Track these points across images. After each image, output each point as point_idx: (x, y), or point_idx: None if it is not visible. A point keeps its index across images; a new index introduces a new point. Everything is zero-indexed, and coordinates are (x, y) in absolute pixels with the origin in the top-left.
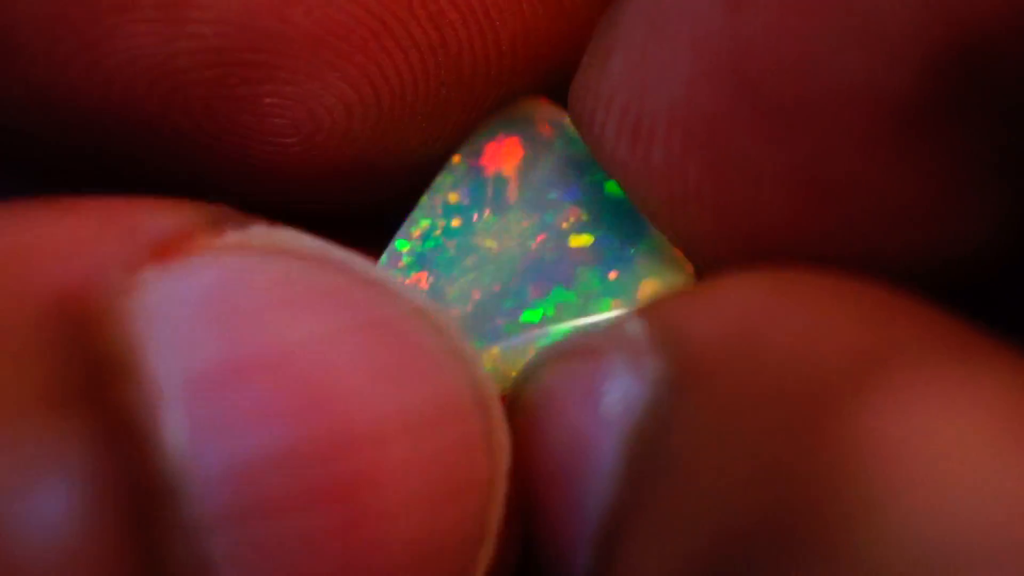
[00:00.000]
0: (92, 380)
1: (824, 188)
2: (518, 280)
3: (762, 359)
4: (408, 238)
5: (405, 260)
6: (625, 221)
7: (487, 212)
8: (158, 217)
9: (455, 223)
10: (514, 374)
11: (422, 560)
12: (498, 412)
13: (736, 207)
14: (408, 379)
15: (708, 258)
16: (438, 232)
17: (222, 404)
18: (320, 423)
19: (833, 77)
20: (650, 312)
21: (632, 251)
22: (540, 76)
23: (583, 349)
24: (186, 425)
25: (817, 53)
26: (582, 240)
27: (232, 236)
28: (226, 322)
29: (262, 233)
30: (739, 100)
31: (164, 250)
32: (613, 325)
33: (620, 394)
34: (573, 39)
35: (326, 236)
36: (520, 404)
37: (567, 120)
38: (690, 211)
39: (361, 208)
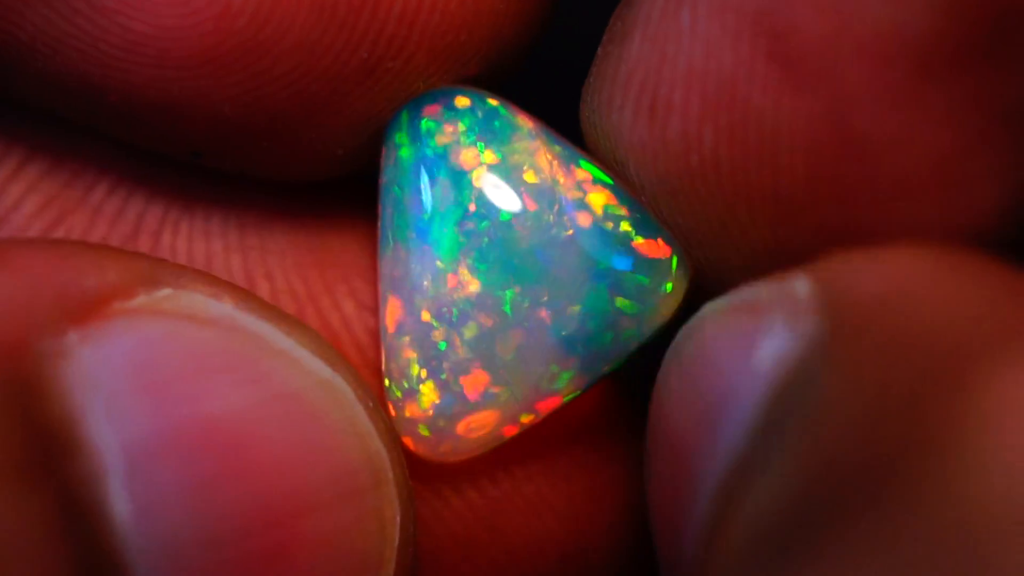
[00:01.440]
0: (42, 453)
1: (844, 144)
2: None
3: (912, 321)
4: None
5: None
6: None
7: None
8: (82, 276)
9: None
10: None
11: None
12: (390, 488)
13: (754, 172)
14: (314, 456)
15: (721, 238)
16: None
17: (157, 477)
18: (241, 497)
19: (860, 21)
20: (815, 271)
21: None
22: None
23: (747, 304)
24: (129, 499)
25: None
26: None
27: (142, 300)
28: (153, 394)
29: (169, 298)
30: (762, 56)
31: (86, 314)
32: (780, 282)
33: (773, 349)
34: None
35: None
36: (679, 356)
37: None
38: (709, 181)
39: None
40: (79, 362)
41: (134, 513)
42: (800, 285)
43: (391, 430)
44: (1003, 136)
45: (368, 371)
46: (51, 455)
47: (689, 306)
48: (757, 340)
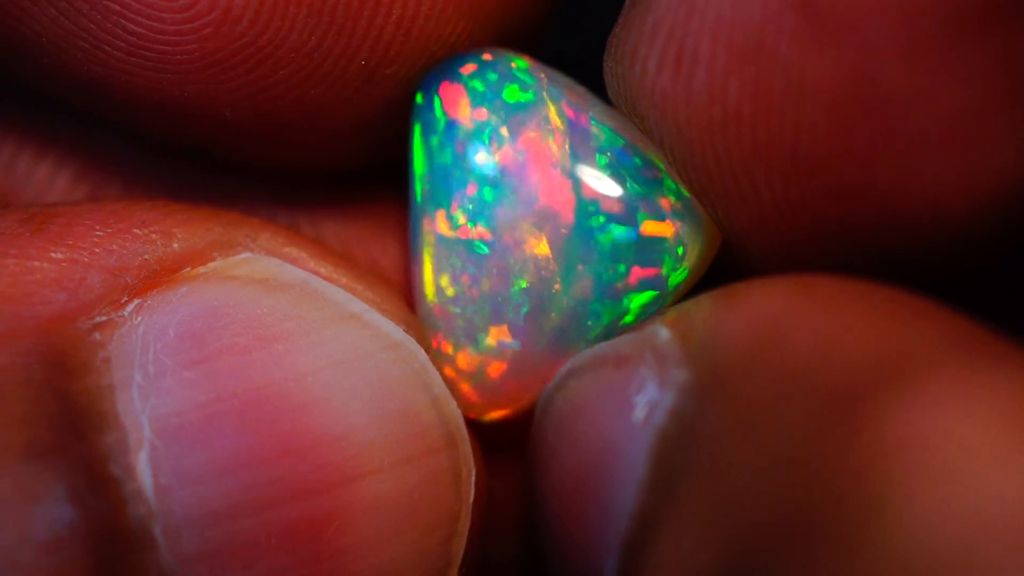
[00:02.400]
0: (69, 429)
1: (868, 101)
2: None
3: (787, 362)
4: None
5: None
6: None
7: None
8: (144, 247)
9: None
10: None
11: None
12: (465, 446)
13: (776, 127)
14: (380, 417)
15: (733, 197)
16: None
17: (191, 454)
18: (290, 468)
19: None
20: (677, 320)
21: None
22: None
23: (614, 357)
24: (155, 475)
25: None
26: None
27: (217, 264)
28: (199, 366)
29: (246, 262)
30: (790, 9)
31: (148, 282)
32: (643, 333)
33: (648, 402)
34: None
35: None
36: (552, 412)
37: None
38: (729, 135)
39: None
40: (128, 333)
41: (160, 487)
42: (662, 335)
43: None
44: None
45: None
46: (76, 431)
47: (716, 270)
48: (630, 394)
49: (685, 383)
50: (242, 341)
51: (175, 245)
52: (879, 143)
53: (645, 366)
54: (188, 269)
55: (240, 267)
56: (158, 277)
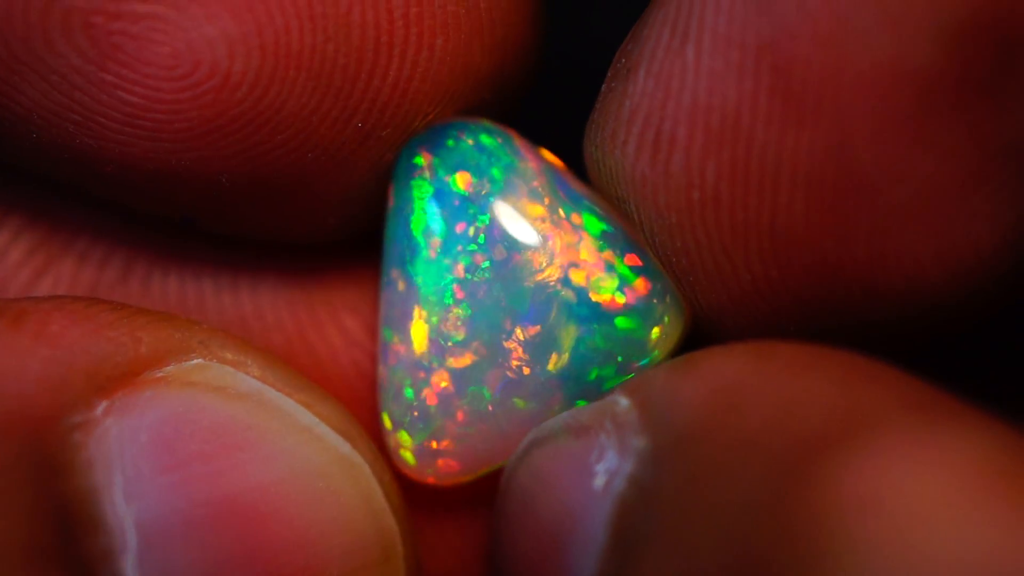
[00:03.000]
0: (64, 530)
1: (844, 179)
2: None
3: (742, 426)
4: None
5: None
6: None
7: None
8: (115, 349)
9: None
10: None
11: None
12: (398, 561)
13: (754, 207)
14: (330, 530)
15: (714, 278)
16: None
17: (171, 556)
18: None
19: (861, 56)
20: (636, 389)
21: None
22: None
23: (575, 427)
24: None
25: (847, 30)
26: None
27: (173, 369)
28: (174, 472)
29: (199, 368)
30: (765, 91)
31: (114, 383)
32: (603, 403)
33: (608, 470)
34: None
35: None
36: (515, 481)
37: None
38: (708, 217)
39: (262, 214)
40: (103, 435)
41: None
42: (622, 403)
43: (403, 505)
44: (1002, 171)
45: (356, 405)
46: (69, 532)
47: (685, 346)
48: (590, 463)
49: (643, 450)
50: (208, 448)
51: (143, 349)
52: (856, 220)
53: (605, 434)
54: (148, 373)
55: (195, 373)
56: (124, 379)
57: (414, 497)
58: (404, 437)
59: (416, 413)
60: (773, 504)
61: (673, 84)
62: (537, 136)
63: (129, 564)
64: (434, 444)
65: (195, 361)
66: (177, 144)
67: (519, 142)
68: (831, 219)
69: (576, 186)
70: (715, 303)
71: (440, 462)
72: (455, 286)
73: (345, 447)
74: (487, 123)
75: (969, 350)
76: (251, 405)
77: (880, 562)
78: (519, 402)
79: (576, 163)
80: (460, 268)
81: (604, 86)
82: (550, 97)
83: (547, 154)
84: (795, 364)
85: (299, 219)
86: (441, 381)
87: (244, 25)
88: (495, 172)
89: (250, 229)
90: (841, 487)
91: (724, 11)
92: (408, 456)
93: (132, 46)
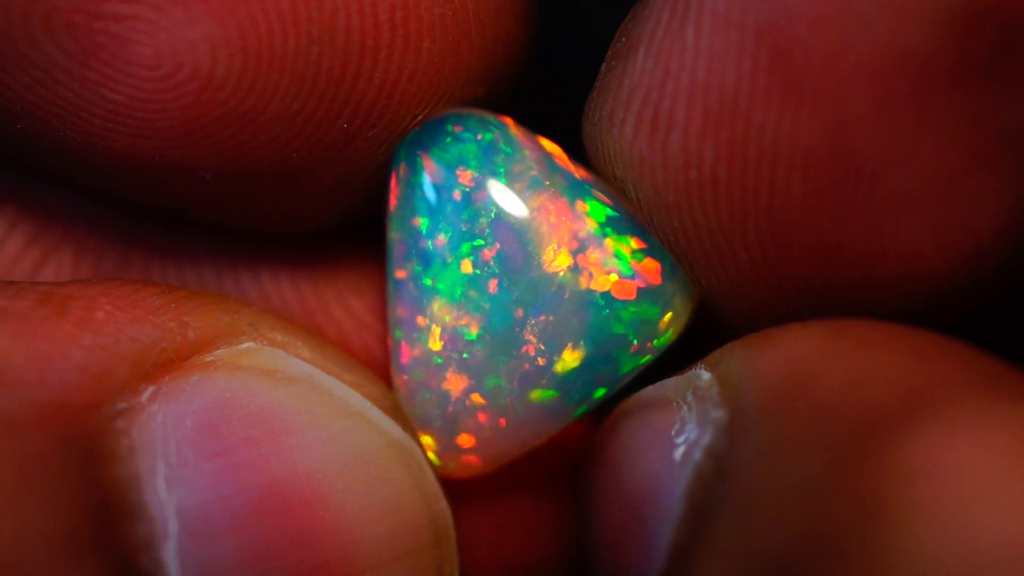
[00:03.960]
0: (103, 519)
1: (842, 161)
2: None
3: (814, 399)
4: None
5: None
6: None
7: None
8: (162, 335)
9: None
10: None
11: None
12: (450, 545)
13: (752, 188)
14: (380, 514)
15: (711, 257)
16: None
17: (215, 544)
18: (301, 562)
19: (861, 39)
20: (717, 363)
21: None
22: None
23: (658, 399)
24: (184, 566)
25: (848, 12)
26: None
27: (223, 353)
28: (218, 458)
29: (250, 352)
30: (764, 72)
31: (161, 369)
32: (686, 376)
33: (688, 441)
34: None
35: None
36: (602, 452)
37: None
38: (706, 197)
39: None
40: (148, 421)
41: None
42: (704, 377)
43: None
44: (1001, 155)
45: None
46: (110, 520)
47: (695, 329)
48: (671, 435)
49: (721, 422)
50: (255, 434)
51: (190, 334)
52: (854, 203)
53: (687, 407)
54: (196, 357)
55: (245, 357)
56: (171, 364)
57: None
58: (426, 439)
59: (437, 414)
60: (840, 475)
61: (672, 64)
62: (533, 124)
63: (169, 553)
64: (457, 442)
65: (246, 345)
66: (160, 141)
67: (516, 131)
68: (829, 201)
69: (576, 172)
70: (714, 283)
71: (463, 459)
72: (464, 283)
73: (397, 431)
74: (483, 114)
75: (968, 337)
76: (301, 389)
77: (943, 527)
78: (537, 393)
79: (574, 150)
80: (467, 264)
81: (604, 65)
82: (545, 84)
83: (545, 142)
84: (867, 341)
85: (288, 212)
86: (458, 380)
87: (226, 29)
88: (494, 164)
89: (240, 220)
90: (908, 459)
91: None
92: (432, 456)
93: (114, 45)
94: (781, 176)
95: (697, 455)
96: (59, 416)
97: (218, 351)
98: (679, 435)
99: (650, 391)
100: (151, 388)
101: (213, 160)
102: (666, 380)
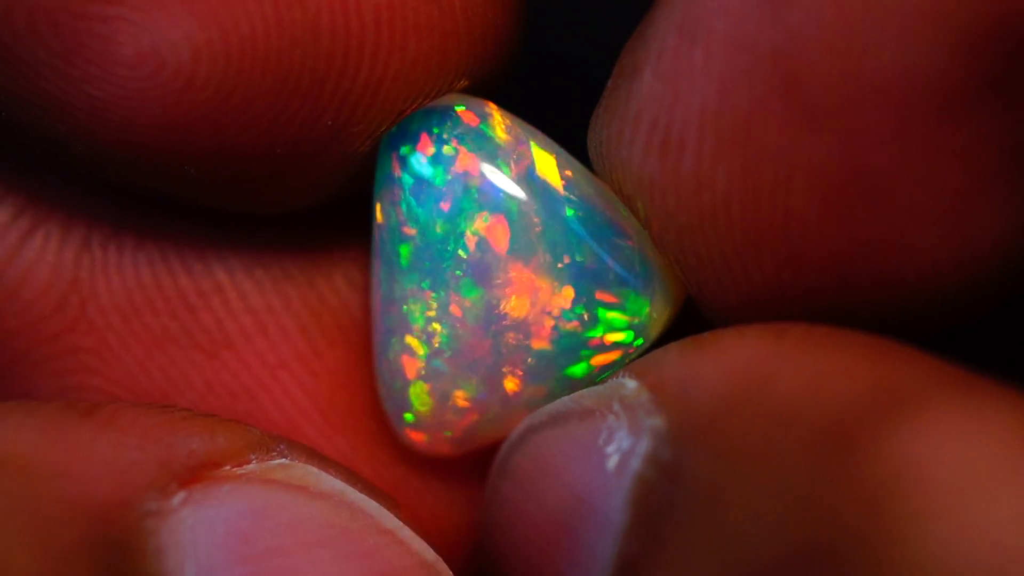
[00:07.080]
0: None
1: (859, 184)
2: None
3: (775, 401)
4: None
5: None
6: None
7: None
8: (190, 439)
9: None
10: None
11: None
12: None
13: (766, 214)
14: None
15: (723, 277)
16: None
17: None
18: None
19: (874, 62)
20: (644, 371)
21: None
22: (416, 74)
23: (577, 411)
24: None
25: (860, 38)
26: None
27: (254, 467)
28: (249, 564)
29: (282, 467)
30: (777, 96)
31: (193, 475)
32: (606, 386)
33: (620, 450)
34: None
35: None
36: (512, 468)
37: None
38: (719, 221)
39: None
40: (178, 523)
41: None
42: (629, 385)
43: None
44: (1015, 172)
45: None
46: None
47: (674, 331)
48: (598, 445)
49: (659, 429)
50: (287, 544)
51: (220, 441)
52: (871, 224)
53: (613, 416)
54: (227, 468)
55: (277, 472)
56: (203, 470)
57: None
58: (415, 434)
59: (422, 411)
60: (822, 475)
61: (681, 87)
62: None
63: None
64: (441, 436)
65: (278, 461)
66: (143, 136)
67: (499, 128)
68: (846, 224)
69: (560, 181)
70: (725, 301)
71: (447, 449)
72: (446, 288)
73: (429, 553)
74: (465, 108)
75: (971, 340)
76: (332, 504)
77: (952, 528)
78: (518, 389)
79: (565, 143)
80: (448, 272)
81: (610, 82)
82: (536, 78)
83: (536, 146)
84: (810, 342)
85: (274, 201)
86: (444, 383)
87: (209, 31)
88: (482, 148)
89: (226, 205)
90: (895, 455)
91: (734, 16)
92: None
93: (97, 45)
94: (797, 200)
95: (636, 463)
96: (85, 511)
97: (250, 464)
98: (608, 444)
99: (563, 402)
100: (183, 493)
101: (196, 155)
102: (582, 391)
